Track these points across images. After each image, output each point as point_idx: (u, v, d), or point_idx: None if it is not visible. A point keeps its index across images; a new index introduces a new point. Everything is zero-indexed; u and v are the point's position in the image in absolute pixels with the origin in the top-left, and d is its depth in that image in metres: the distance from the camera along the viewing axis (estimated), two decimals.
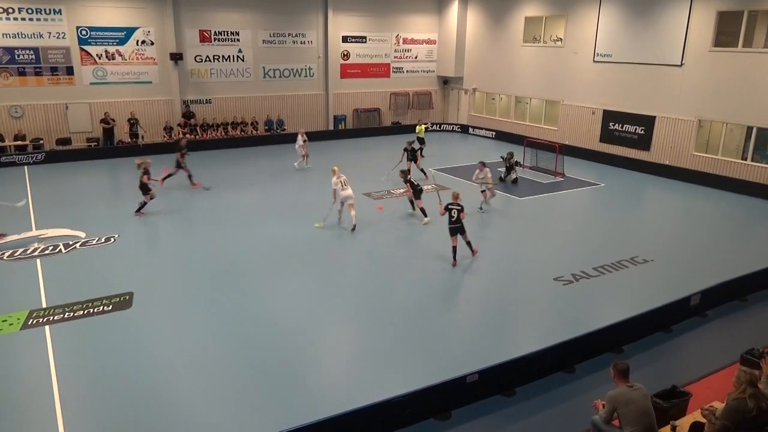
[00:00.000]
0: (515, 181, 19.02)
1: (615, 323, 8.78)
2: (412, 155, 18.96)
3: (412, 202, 15.36)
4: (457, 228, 11.72)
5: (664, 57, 20.38)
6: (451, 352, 8.58)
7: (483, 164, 15.83)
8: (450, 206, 11.75)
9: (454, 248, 11.90)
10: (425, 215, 14.69)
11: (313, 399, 7.39)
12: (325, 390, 7.68)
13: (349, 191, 13.98)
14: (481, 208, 15.72)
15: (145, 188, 14.79)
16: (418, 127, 23.53)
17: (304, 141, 20.20)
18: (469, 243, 12.21)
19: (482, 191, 15.89)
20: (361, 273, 11.71)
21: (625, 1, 21.48)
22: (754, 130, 18.30)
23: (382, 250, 13.01)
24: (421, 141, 22.68)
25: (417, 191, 14.94)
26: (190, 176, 17.55)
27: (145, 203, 14.94)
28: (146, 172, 14.79)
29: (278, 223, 14.46)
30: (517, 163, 19.51)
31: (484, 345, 8.89)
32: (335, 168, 14.17)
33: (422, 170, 19.01)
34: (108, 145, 22.58)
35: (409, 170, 17.14)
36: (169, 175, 17.30)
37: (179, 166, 17.41)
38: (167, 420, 7.01)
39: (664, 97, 20.65)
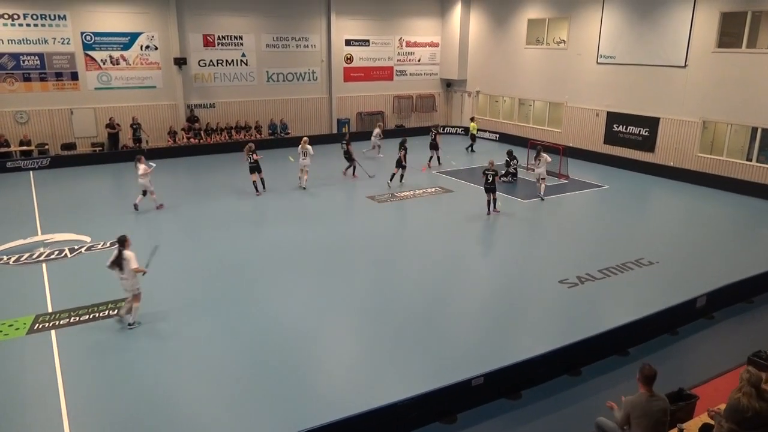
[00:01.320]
0: (507, 177, 19.33)
1: (621, 325, 8.75)
2: (433, 143, 21.41)
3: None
4: (490, 188, 15.04)
5: (668, 58, 20.34)
6: (456, 356, 8.57)
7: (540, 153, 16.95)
8: (486, 171, 15.00)
9: (488, 202, 15.29)
10: (391, 180, 18.13)
11: (318, 402, 7.39)
12: (331, 393, 7.68)
13: (302, 160, 17.38)
14: (542, 198, 16.94)
15: (253, 168, 16.90)
16: (471, 124, 25.53)
17: (380, 135, 23.14)
18: (495, 201, 15.26)
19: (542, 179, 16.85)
20: (366, 276, 11.70)
21: (629, 3, 21.46)
22: (759, 131, 18.24)
23: (385, 252, 13.03)
24: (473, 138, 25.14)
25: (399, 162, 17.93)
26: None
27: (260, 181, 17.18)
28: (252, 152, 16.70)
29: (281, 225, 14.49)
30: (508, 165, 19.76)
31: (490, 348, 8.88)
32: (305, 138, 17.54)
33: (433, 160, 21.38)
34: (113, 150, 22.66)
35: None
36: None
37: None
38: (173, 423, 7.02)
39: (668, 99, 20.60)
